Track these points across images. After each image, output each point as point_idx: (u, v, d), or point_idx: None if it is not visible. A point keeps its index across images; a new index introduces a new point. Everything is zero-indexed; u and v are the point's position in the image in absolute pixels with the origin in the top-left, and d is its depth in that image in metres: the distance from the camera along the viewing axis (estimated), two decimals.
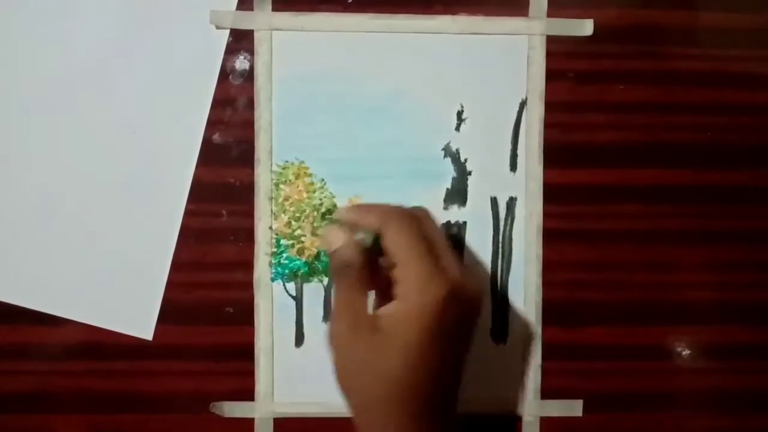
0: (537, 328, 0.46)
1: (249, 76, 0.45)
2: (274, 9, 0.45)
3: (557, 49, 0.46)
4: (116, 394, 0.46)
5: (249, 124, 0.45)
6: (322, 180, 0.46)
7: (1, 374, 0.45)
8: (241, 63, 0.45)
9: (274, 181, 0.45)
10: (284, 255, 0.45)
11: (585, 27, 0.46)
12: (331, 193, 0.46)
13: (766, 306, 0.47)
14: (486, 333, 0.46)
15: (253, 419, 0.46)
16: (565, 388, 0.47)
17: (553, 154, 0.46)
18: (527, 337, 0.46)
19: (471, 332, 0.39)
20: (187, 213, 0.45)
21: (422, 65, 0.46)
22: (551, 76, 0.46)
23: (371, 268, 0.38)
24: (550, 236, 0.46)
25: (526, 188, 0.46)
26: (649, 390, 0.47)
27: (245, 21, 0.45)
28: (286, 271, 0.45)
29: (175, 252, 0.45)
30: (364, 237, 0.38)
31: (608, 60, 0.46)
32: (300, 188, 0.45)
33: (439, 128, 0.46)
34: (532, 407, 0.46)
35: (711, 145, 0.47)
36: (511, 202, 0.46)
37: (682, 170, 0.47)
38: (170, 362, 0.46)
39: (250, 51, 0.45)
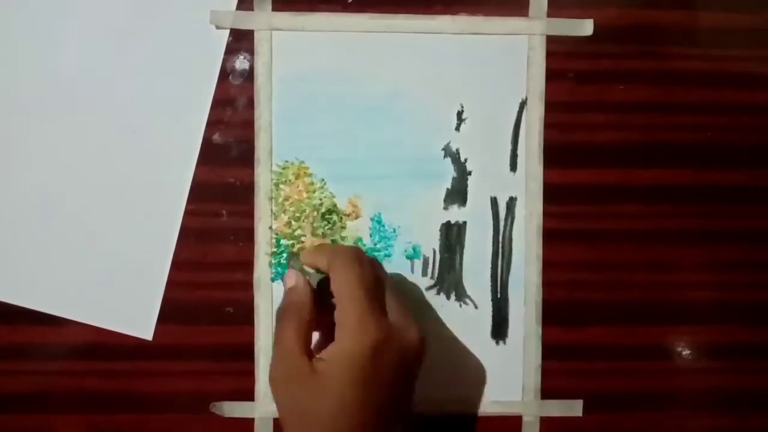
0: (537, 328, 0.46)
1: (249, 76, 0.45)
2: (274, 9, 0.45)
3: (557, 49, 0.46)
4: (116, 394, 0.46)
5: (249, 124, 0.45)
6: (322, 180, 0.46)
7: (1, 374, 0.45)
8: (241, 63, 0.45)
9: (274, 181, 0.45)
10: (284, 255, 0.45)
11: (585, 27, 0.46)
12: (331, 193, 0.46)
13: (766, 306, 0.47)
14: (486, 333, 0.46)
15: (253, 419, 0.46)
16: (565, 388, 0.47)
17: (553, 154, 0.46)
18: (527, 337, 0.46)
19: (410, 377, 0.39)
20: (187, 213, 0.45)
21: (422, 65, 0.46)
22: (551, 76, 0.46)
23: (325, 310, 0.39)
24: (550, 236, 0.46)
25: (526, 188, 0.46)
26: (649, 390, 0.47)
27: (245, 21, 0.45)
28: (286, 271, 0.45)
29: (175, 252, 0.45)
30: (312, 278, 0.39)
31: (608, 60, 0.46)
32: (300, 188, 0.45)
33: (439, 128, 0.46)
34: (532, 407, 0.46)
35: (711, 145, 0.47)
36: (511, 202, 0.46)
37: (682, 170, 0.47)
38: (170, 362, 0.46)
39: (250, 51, 0.45)
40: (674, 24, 0.46)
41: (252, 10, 0.45)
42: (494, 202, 0.46)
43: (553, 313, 0.46)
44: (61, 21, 0.44)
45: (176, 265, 0.45)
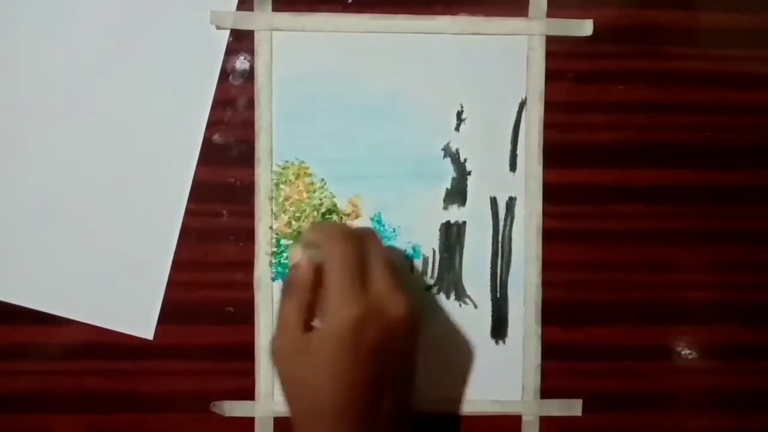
0: (537, 328, 0.46)
1: (249, 76, 0.45)
2: (274, 9, 0.45)
3: (557, 49, 0.46)
4: (116, 394, 0.46)
5: (249, 124, 0.45)
6: (322, 180, 0.46)
7: (1, 374, 0.45)
8: (241, 63, 0.45)
9: (275, 181, 0.45)
10: (284, 255, 0.46)
11: (585, 27, 0.46)
12: (331, 193, 0.46)
13: (766, 306, 0.47)
14: (486, 333, 0.46)
15: (253, 419, 0.46)
16: (565, 388, 0.47)
17: (552, 154, 0.46)
18: (527, 337, 0.46)
19: (404, 350, 0.39)
20: (188, 213, 0.45)
21: (422, 65, 0.46)
22: (551, 76, 0.46)
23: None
24: (549, 236, 0.46)
25: (526, 188, 0.46)
26: (649, 390, 0.47)
27: (245, 21, 0.45)
28: (287, 271, 0.45)
29: (175, 252, 0.45)
30: (315, 254, 0.39)
31: (608, 60, 0.46)
32: (300, 188, 0.46)
33: (439, 128, 0.46)
34: (532, 407, 0.46)
35: (711, 145, 0.47)
36: (511, 202, 0.46)
37: (682, 170, 0.47)
38: (170, 362, 0.46)
39: (250, 51, 0.45)
40: (674, 24, 0.46)
41: (252, 10, 0.45)
42: (494, 202, 0.46)
43: (552, 313, 0.46)
44: (61, 21, 0.44)
45: (177, 265, 0.45)
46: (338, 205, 0.46)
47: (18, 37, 0.45)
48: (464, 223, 0.46)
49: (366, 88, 0.45)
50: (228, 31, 0.45)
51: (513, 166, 0.46)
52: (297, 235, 0.45)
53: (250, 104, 0.45)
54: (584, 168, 0.46)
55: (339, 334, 0.36)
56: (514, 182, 0.46)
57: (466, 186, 0.46)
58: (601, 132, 0.46)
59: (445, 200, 0.46)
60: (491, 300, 0.46)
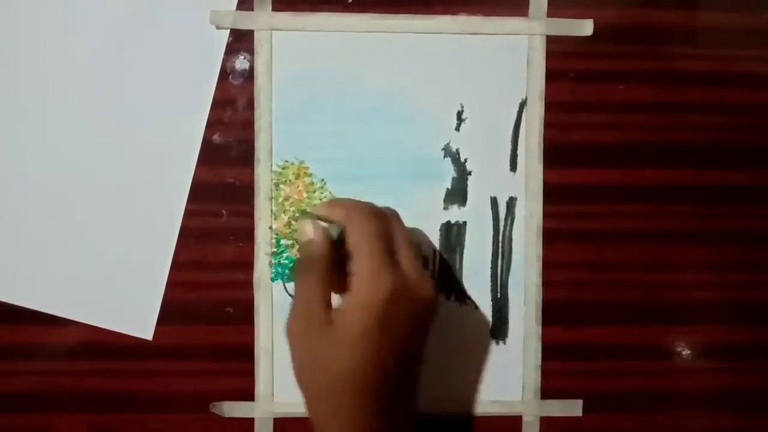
0: (537, 328, 0.46)
1: (249, 76, 0.45)
2: (274, 9, 0.45)
3: (557, 49, 0.46)
4: (116, 394, 0.46)
5: (249, 124, 0.45)
6: (322, 180, 0.46)
7: (1, 374, 0.45)
8: (241, 63, 0.45)
9: (274, 181, 0.45)
10: (284, 255, 0.45)
11: (585, 27, 0.46)
12: (331, 193, 0.46)
13: (766, 306, 0.47)
14: (486, 333, 0.46)
15: (253, 419, 0.46)
16: (565, 388, 0.47)
17: (553, 154, 0.46)
18: (527, 337, 0.46)
19: (422, 331, 0.39)
20: (187, 213, 0.45)
21: (422, 65, 0.46)
22: (551, 76, 0.46)
23: (340, 264, 0.39)
24: (550, 236, 0.46)
25: (526, 188, 0.46)
26: (649, 390, 0.47)
27: (245, 21, 0.45)
28: (286, 271, 0.45)
29: (175, 252, 0.45)
30: (330, 229, 0.38)
31: (608, 60, 0.46)
32: (300, 188, 0.45)
33: (439, 128, 0.46)
34: (532, 407, 0.46)
35: (711, 145, 0.47)
36: (511, 202, 0.46)
37: (682, 170, 0.47)
38: (170, 362, 0.46)
39: (250, 51, 0.45)
40: (674, 24, 0.46)
41: (252, 10, 0.45)
42: (494, 202, 0.46)
43: (553, 313, 0.46)
44: (61, 21, 0.44)
45: (176, 265, 0.45)
46: None
47: (18, 37, 0.44)
48: (464, 223, 0.46)
49: (366, 88, 0.45)
50: (228, 31, 0.45)
51: (513, 166, 0.46)
52: (296, 237, 0.45)
53: (250, 104, 0.45)
54: (584, 168, 0.46)
55: (372, 308, 0.36)
56: (514, 182, 0.46)
57: (466, 186, 0.46)
58: (602, 132, 0.46)
59: (445, 200, 0.46)
60: (491, 300, 0.46)
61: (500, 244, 0.46)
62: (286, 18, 0.45)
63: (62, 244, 0.45)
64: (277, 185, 0.45)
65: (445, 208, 0.46)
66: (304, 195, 0.45)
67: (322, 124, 0.45)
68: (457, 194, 0.46)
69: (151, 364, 0.46)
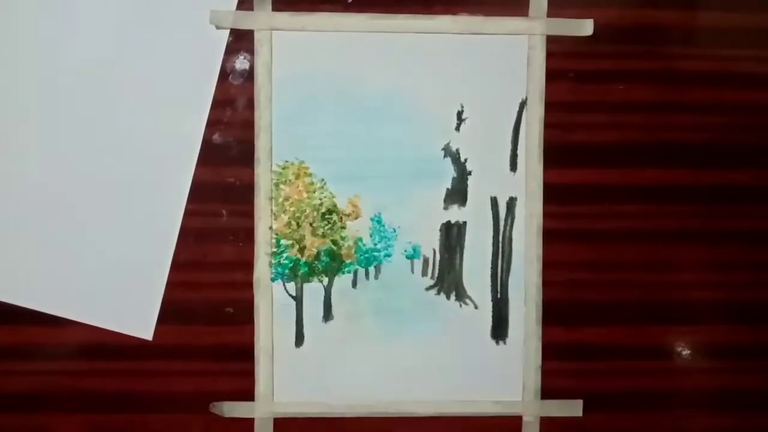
0: (537, 328, 0.46)
1: (249, 76, 0.45)
2: (274, 9, 0.45)
3: (557, 49, 0.46)
4: (116, 394, 0.46)
5: (249, 124, 0.45)
6: (322, 180, 0.45)
7: (1, 374, 0.45)
8: (241, 63, 0.45)
9: (274, 181, 0.45)
10: (284, 255, 0.45)
11: (585, 27, 0.46)
12: (331, 193, 0.46)
13: (766, 306, 0.47)
14: (486, 333, 0.46)
15: (253, 419, 0.46)
16: (565, 388, 0.47)
17: (553, 154, 0.46)
18: (527, 337, 0.46)
19: None
20: (187, 213, 0.45)
21: (422, 65, 0.45)
22: (551, 76, 0.46)
23: None
24: (550, 236, 0.46)
25: (526, 188, 0.46)
26: (649, 390, 0.47)
27: (245, 21, 0.45)
28: (286, 271, 0.45)
29: (175, 252, 0.45)
30: None
31: (608, 60, 0.46)
32: (300, 188, 0.45)
33: (439, 128, 0.46)
34: (532, 407, 0.46)
35: (711, 145, 0.47)
36: (511, 202, 0.46)
37: (682, 170, 0.47)
38: (170, 362, 0.46)
39: (250, 51, 0.45)
40: (674, 24, 0.46)
41: (252, 10, 0.45)
42: (494, 202, 0.46)
43: (553, 313, 0.46)
44: (62, 21, 0.44)
45: (176, 265, 0.45)
46: (338, 205, 0.46)
47: (18, 38, 0.44)
48: (465, 223, 0.46)
49: (366, 88, 0.45)
50: (228, 31, 0.45)
51: (513, 166, 0.46)
52: (296, 237, 0.45)
53: (250, 104, 0.45)
54: (585, 168, 0.46)
55: None
56: (514, 182, 0.46)
57: (466, 186, 0.46)
58: (602, 132, 0.46)
59: (445, 200, 0.46)
60: (492, 300, 0.46)
61: (500, 244, 0.46)
62: (286, 18, 0.45)
63: (62, 244, 0.45)
64: (277, 185, 0.45)
65: (445, 208, 0.46)
66: (304, 195, 0.45)
67: (322, 124, 0.45)
68: (457, 194, 0.46)
69: (151, 364, 0.45)
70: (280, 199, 0.45)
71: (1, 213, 0.45)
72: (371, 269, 0.46)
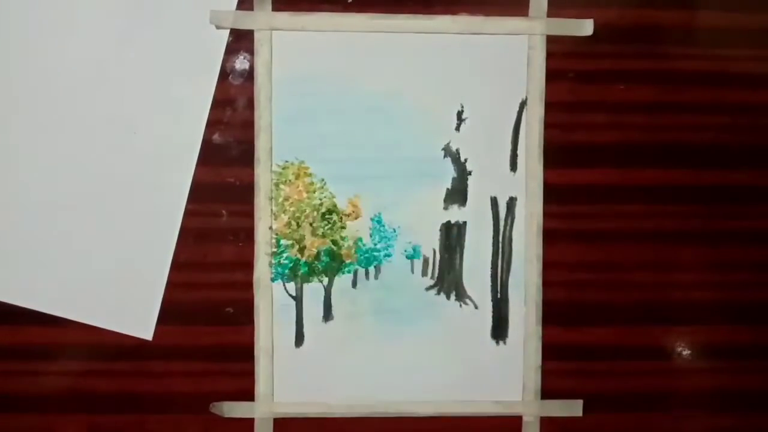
0: (537, 328, 0.46)
1: (249, 76, 0.45)
2: (274, 9, 0.45)
3: (557, 49, 0.46)
4: (116, 394, 0.46)
5: (249, 124, 0.45)
6: (322, 180, 0.45)
7: (1, 374, 0.45)
8: (241, 63, 0.45)
9: (274, 181, 0.45)
10: (284, 255, 0.45)
11: (585, 27, 0.46)
12: (331, 193, 0.46)
13: (766, 306, 0.47)
14: (486, 333, 0.46)
15: (253, 419, 0.46)
16: (565, 388, 0.47)
17: (553, 154, 0.46)
18: (528, 338, 0.46)
19: None
20: (187, 213, 0.45)
21: (422, 65, 0.45)
22: (551, 76, 0.46)
23: None
24: (550, 236, 0.46)
25: (526, 188, 0.46)
26: (649, 390, 0.47)
27: (245, 21, 0.45)
28: (286, 271, 0.45)
29: (175, 252, 0.45)
30: None
31: (608, 60, 0.46)
32: (300, 188, 0.45)
33: (439, 128, 0.46)
34: (532, 407, 0.46)
35: (711, 145, 0.47)
36: (511, 202, 0.46)
37: (682, 170, 0.47)
38: (170, 362, 0.46)
39: (250, 51, 0.45)
40: (674, 24, 0.46)
41: (252, 10, 0.45)
42: (494, 202, 0.46)
43: (553, 313, 0.46)
44: (62, 21, 0.44)
45: (176, 265, 0.45)
46: (338, 205, 0.45)
47: (18, 38, 0.44)
48: (465, 223, 0.46)
49: (366, 88, 0.45)
50: (228, 31, 0.45)
51: (513, 166, 0.46)
52: (296, 237, 0.45)
53: (250, 104, 0.45)
54: (585, 168, 0.46)
55: None
56: (514, 182, 0.46)
57: (466, 186, 0.46)
58: (602, 132, 0.46)
59: (445, 200, 0.46)
60: (492, 300, 0.46)
61: (500, 244, 0.46)
62: (286, 18, 0.45)
63: (62, 244, 0.45)
64: (277, 185, 0.45)
65: (445, 208, 0.46)
66: (304, 195, 0.45)
67: (322, 124, 0.45)
68: (457, 194, 0.46)
69: (151, 364, 0.46)
70: (280, 199, 0.45)
71: (1, 213, 0.45)
72: (371, 269, 0.46)
